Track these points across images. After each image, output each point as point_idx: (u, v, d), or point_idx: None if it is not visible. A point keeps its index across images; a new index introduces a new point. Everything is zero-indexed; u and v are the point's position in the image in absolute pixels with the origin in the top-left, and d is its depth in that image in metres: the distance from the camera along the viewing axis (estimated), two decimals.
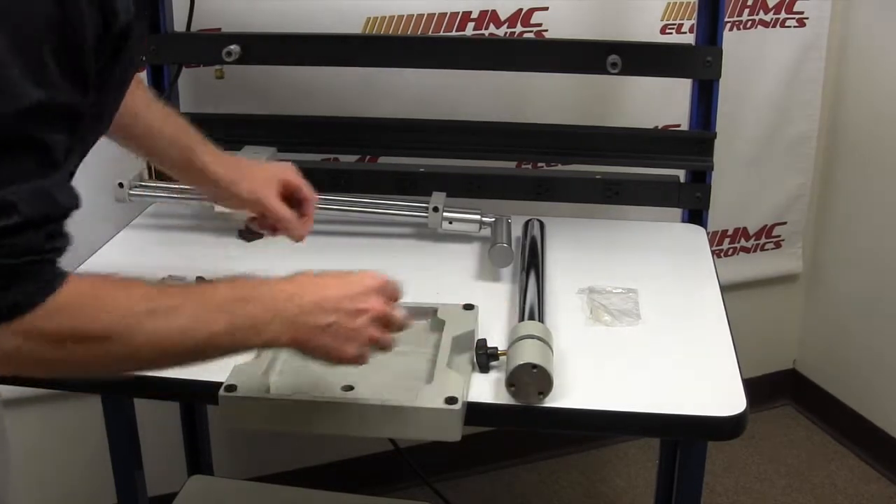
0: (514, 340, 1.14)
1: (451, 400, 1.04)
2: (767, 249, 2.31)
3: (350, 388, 1.08)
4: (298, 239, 1.26)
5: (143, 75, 1.64)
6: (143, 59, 1.31)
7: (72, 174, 0.96)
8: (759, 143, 2.17)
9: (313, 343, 0.93)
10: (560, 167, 1.85)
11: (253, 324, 0.89)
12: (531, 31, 1.86)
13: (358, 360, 0.96)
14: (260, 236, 1.49)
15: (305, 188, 1.26)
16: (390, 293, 0.98)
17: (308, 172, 1.69)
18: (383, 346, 0.98)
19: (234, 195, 1.23)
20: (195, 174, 1.23)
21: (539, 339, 1.13)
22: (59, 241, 0.80)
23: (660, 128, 1.99)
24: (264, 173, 1.25)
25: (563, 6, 1.86)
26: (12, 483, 1.12)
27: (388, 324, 0.97)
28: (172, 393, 1.24)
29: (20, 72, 0.73)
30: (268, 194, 1.22)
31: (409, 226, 1.61)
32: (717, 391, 1.15)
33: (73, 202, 0.81)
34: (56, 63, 0.75)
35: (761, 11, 2.04)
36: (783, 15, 2.06)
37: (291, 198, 1.26)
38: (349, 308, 0.93)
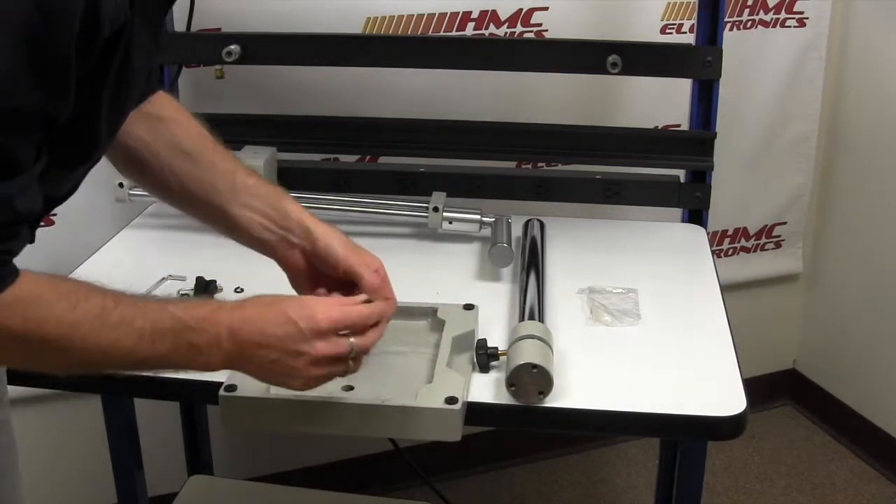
0: (514, 340, 1.14)
1: (451, 400, 1.04)
2: (767, 249, 2.31)
3: (350, 388, 1.08)
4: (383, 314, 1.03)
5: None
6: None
7: (76, 184, 0.96)
8: (759, 143, 2.17)
9: (257, 377, 0.96)
10: (560, 167, 1.85)
11: (195, 351, 0.90)
12: (531, 31, 1.86)
13: (303, 389, 0.96)
14: None
15: (390, 289, 1.06)
16: (344, 327, 0.96)
17: (308, 172, 1.71)
18: (340, 376, 0.98)
19: (325, 247, 1.05)
20: (283, 218, 1.08)
21: (539, 339, 1.13)
22: (12, 243, 0.80)
23: (660, 128, 1.99)
24: (358, 247, 1.08)
25: (563, 6, 1.86)
26: (21, 484, 1.12)
27: (333, 361, 0.96)
28: (172, 393, 1.24)
29: None
30: (359, 260, 1.05)
31: (409, 226, 1.61)
32: (717, 391, 1.15)
33: (34, 207, 0.80)
34: (29, 69, 0.73)
35: (761, 11, 2.04)
36: (783, 15, 2.06)
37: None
38: (288, 349, 0.93)
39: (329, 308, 0.96)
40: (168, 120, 1.09)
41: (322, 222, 1.08)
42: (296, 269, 1.08)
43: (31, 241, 0.98)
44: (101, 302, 0.86)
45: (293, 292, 1.12)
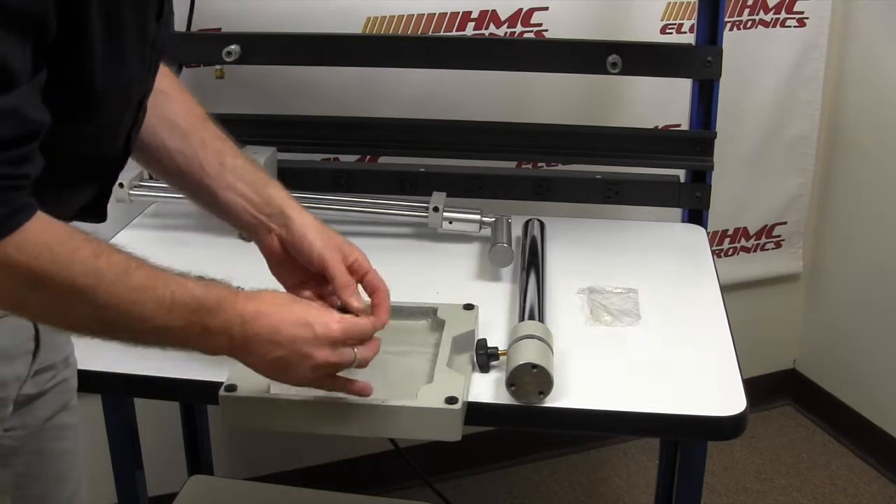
0: (514, 340, 1.14)
1: (451, 400, 1.05)
2: (767, 249, 2.31)
3: None
4: (357, 310, 1.04)
5: None
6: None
7: (122, 140, 0.95)
8: (759, 143, 2.17)
9: (251, 367, 0.96)
10: (560, 167, 1.85)
11: (205, 333, 0.90)
12: (531, 31, 1.86)
13: (295, 385, 0.98)
14: None
15: (376, 277, 1.08)
16: (353, 339, 0.98)
17: (308, 172, 1.71)
18: (324, 388, 1.00)
19: (300, 239, 1.06)
20: (262, 203, 1.08)
21: (539, 339, 1.13)
22: (28, 166, 0.76)
23: (660, 128, 1.99)
24: (334, 238, 1.08)
25: (563, 6, 1.86)
26: (79, 493, 1.12)
27: (333, 370, 0.98)
28: (172, 393, 1.24)
29: None
30: (333, 256, 1.05)
31: (409, 226, 1.61)
32: (717, 391, 1.15)
33: (44, 119, 0.77)
34: None
35: (761, 11, 2.04)
36: (783, 15, 2.06)
37: (362, 280, 1.08)
38: (298, 350, 0.94)
39: (343, 318, 0.98)
40: (164, 94, 1.08)
41: (304, 212, 1.08)
42: (273, 255, 1.09)
43: (103, 219, 1.00)
44: (125, 260, 0.85)
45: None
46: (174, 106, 1.09)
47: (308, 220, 1.08)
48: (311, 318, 0.95)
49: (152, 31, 0.91)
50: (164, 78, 1.09)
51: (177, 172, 1.10)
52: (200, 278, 0.92)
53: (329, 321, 0.96)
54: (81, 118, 0.86)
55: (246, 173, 1.09)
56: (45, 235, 0.78)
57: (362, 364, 0.99)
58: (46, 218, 0.79)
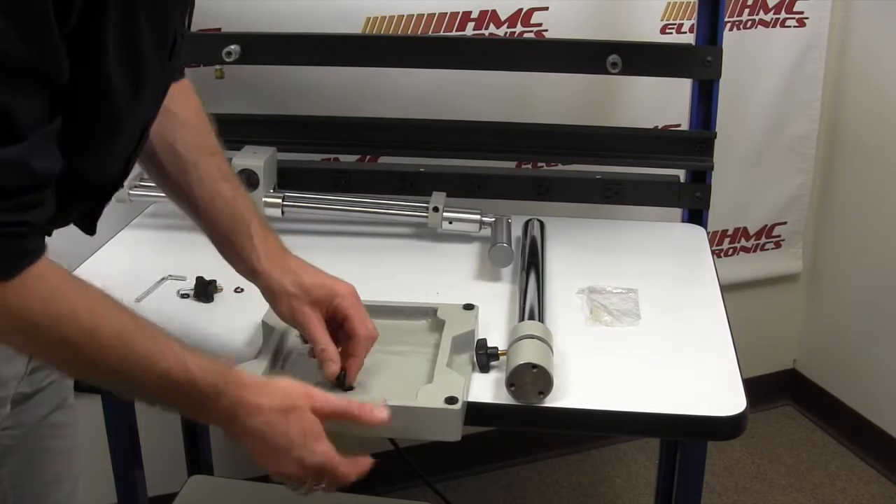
0: (514, 340, 1.14)
1: (451, 400, 1.04)
2: (767, 249, 2.31)
3: (350, 388, 1.08)
4: (329, 377, 1.05)
5: None
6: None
7: (123, 167, 0.96)
8: (759, 143, 2.17)
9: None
10: (560, 167, 1.85)
11: (198, 415, 0.91)
12: (531, 31, 1.86)
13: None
14: None
15: (357, 321, 1.06)
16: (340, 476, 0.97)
17: (308, 172, 1.71)
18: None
19: (271, 302, 1.09)
20: (237, 255, 1.10)
21: (539, 339, 1.13)
22: (33, 213, 0.75)
23: (660, 128, 1.99)
24: (316, 291, 1.06)
25: (563, 6, 1.86)
26: (78, 489, 1.13)
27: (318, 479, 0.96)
28: None
29: None
30: (309, 316, 1.05)
31: (409, 226, 1.61)
32: (717, 391, 1.15)
33: (52, 168, 0.76)
34: (4, 16, 0.69)
35: (761, 11, 2.04)
36: (783, 15, 2.06)
37: (343, 325, 1.08)
38: (289, 454, 0.93)
39: (329, 454, 0.96)
40: (176, 117, 1.07)
41: (275, 271, 1.08)
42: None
43: (92, 232, 1.01)
44: (123, 322, 0.83)
45: None
46: (182, 133, 1.08)
47: (277, 285, 1.07)
48: (307, 426, 0.93)
49: (166, 69, 0.91)
50: (178, 94, 1.07)
51: (172, 194, 1.12)
52: (200, 352, 0.89)
53: (327, 453, 0.94)
54: (100, 145, 0.87)
55: (231, 223, 1.09)
56: (44, 285, 0.77)
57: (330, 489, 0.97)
58: (50, 265, 0.78)
